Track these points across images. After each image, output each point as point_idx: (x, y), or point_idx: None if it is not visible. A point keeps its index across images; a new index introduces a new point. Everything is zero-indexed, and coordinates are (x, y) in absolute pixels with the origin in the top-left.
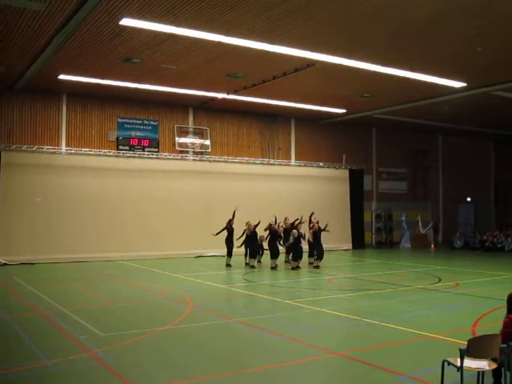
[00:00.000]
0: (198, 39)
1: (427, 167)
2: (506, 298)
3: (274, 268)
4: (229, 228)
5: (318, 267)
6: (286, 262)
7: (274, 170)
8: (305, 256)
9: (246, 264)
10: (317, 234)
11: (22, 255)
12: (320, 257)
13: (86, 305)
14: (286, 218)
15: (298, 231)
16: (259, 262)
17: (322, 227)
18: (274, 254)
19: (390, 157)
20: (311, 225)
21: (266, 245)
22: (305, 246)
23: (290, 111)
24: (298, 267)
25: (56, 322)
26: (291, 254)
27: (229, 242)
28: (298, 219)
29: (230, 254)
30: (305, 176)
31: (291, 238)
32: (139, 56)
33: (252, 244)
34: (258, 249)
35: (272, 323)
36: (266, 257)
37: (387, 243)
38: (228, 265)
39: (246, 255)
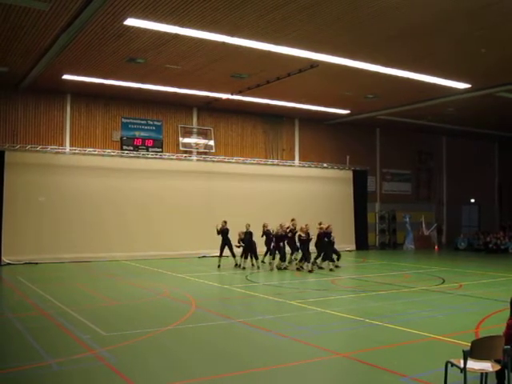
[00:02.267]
0: (203, 40)
1: (431, 168)
2: (509, 300)
3: (280, 269)
4: (224, 230)
5: (321, 268)
6: (289, 262)
7: (277, 170)
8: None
9: (263, 262)
10: (323, 237)
11: (26, 255)
12: (326, 258)
13: (89, 304)
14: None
15: (307, 233)
16: (263, 262)
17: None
18: (283, 256)
19: (394, 158)
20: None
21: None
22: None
23: (293, 112)
24: (301, 268)
25: (59, 322)
26: (294, 254)
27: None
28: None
29: (233, 254)
30: (308, 177)
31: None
32: (143, 56)
33: (250, 245)
34: (255, 249)
35: (276, 324)
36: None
37: (391, 244)
38: (236, 265)
39: (265, 255)
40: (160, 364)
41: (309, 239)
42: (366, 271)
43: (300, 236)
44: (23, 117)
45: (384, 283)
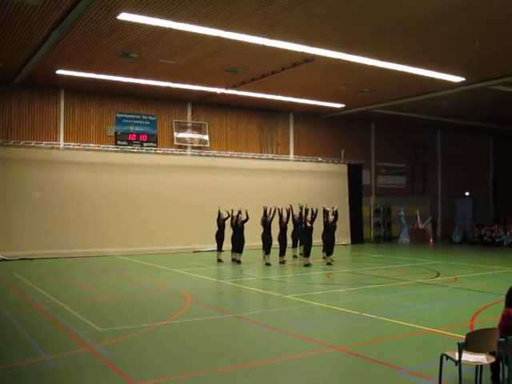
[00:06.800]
0: (197, 34)
1: (426, 162)
2: (504, 292)
3: (282, 263)
4: (221, 224)
5: (324, 258)
6: (294, 256)
7: (272, 164)
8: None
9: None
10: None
11: (21, 250)
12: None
13: (84, 300)
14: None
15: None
16: (295, 256)
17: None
18: (283, 250)
19: (389, 151)
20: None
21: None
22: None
23: (288, 106)
24: (310, 264)
25: (55, 317)
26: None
27: (221, 237)
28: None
29: (229, 249)
30: (303, 171)
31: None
32: (137, 51)
33: (239, 236)
34: (242, 242)
35: (271, 318)
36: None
37: (386, 238)
38: (233, 260)
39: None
40: (156, 359)
41: (312, 228)
42: (361, 265)
43: (306, 225)
44: (17, 112)
45: (379, 277)
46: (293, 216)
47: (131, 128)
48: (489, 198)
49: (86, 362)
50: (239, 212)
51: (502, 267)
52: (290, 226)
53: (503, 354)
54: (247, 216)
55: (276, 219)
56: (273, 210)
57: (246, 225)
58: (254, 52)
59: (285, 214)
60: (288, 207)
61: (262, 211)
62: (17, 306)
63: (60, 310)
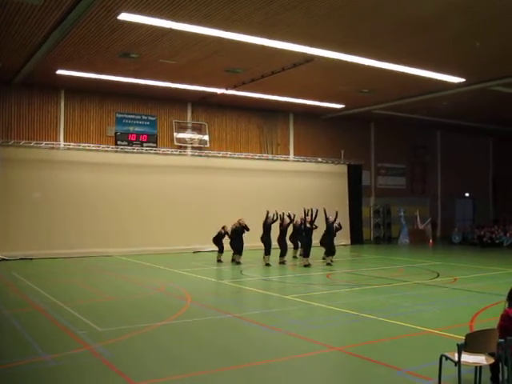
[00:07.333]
0: (197, 34)
1: (426, 162)
2: (503, 293)
3: (282, 263)
4: (222, 233)
5: (324, 259)
6: (293, 257)
7: (272, 165)
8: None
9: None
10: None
11: (21, 250)
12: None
13: (84, 300)
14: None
15: (311, 223)
16: (295, 257)
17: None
18: (283, 251)
19: (389, 152)
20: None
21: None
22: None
23: (288, 106)
24: (309, 265)
25: (55, 317)
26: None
27: (220, 242)
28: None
29: (234, 251)
30: (303, 171)
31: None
32: (138, 51)
33: (238, 240)
34: (241, 245)
35: (271, 318)
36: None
37: (385, 238)
38: (233, 260)
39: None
40: (155, 359)
41: (311, 228)
42: (360, 265)
43: (306, 226)
44: (17, 112)
45: (379, 277)
46: (294, 222)
47: (131, 128)
48: (488, 198)
49: (86, 362)
50: (239, 224)
51: (501, 268)
52: (290, 229)
53: (502, 355)
54: (247, 228)
55: (276, 221)
56: (275, 216)
57: None
58: (254, 52)
59: (287, 219)
60: (289, 213)
61: (265, 213)
62: (16, 306)
63: (59, 309)
